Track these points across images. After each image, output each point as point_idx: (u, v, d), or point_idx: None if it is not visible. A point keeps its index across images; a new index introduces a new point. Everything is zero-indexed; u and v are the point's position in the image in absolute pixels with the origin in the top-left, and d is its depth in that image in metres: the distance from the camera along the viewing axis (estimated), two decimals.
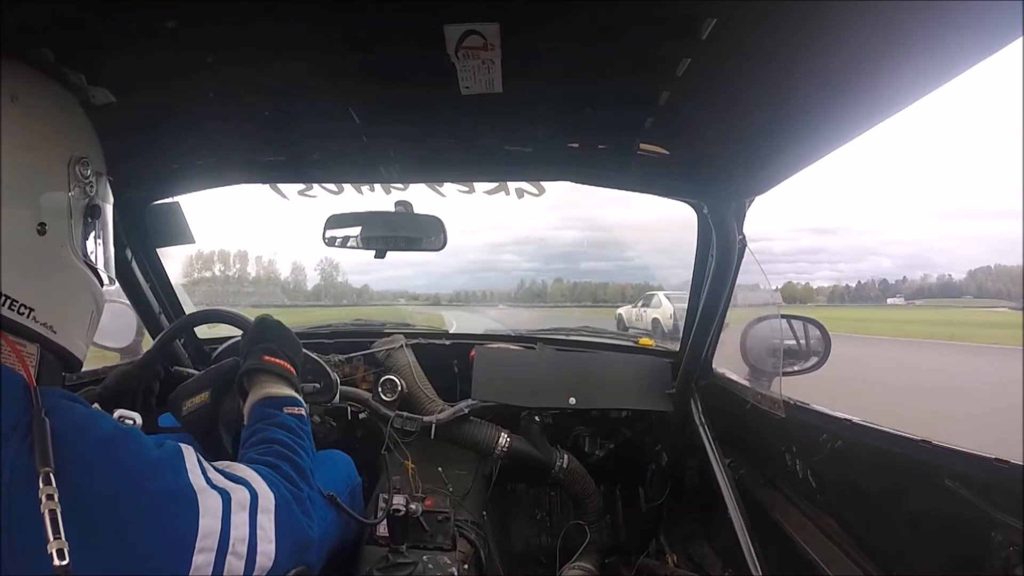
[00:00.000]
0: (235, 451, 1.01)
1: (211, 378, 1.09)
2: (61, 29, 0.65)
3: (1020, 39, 0.56)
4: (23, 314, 0.63)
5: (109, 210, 0.78)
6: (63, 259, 0.68)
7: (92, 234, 0.73)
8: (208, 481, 0.67)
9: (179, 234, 1.49)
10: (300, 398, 0.95)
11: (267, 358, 0.96)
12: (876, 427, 0.95)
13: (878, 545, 0.94)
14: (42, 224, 0.64)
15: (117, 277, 1.41)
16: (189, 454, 0.69)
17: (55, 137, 0.68)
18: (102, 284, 0.77)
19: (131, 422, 0.89)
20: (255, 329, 1.05)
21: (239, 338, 1.37)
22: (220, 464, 0.74)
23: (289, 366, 0.98)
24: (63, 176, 0.68)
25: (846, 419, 1.03)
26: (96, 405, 0.81)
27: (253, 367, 0.96)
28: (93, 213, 0.73)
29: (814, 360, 1.50)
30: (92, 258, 0.74)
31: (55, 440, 0.57)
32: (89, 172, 0.71)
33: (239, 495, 0.70)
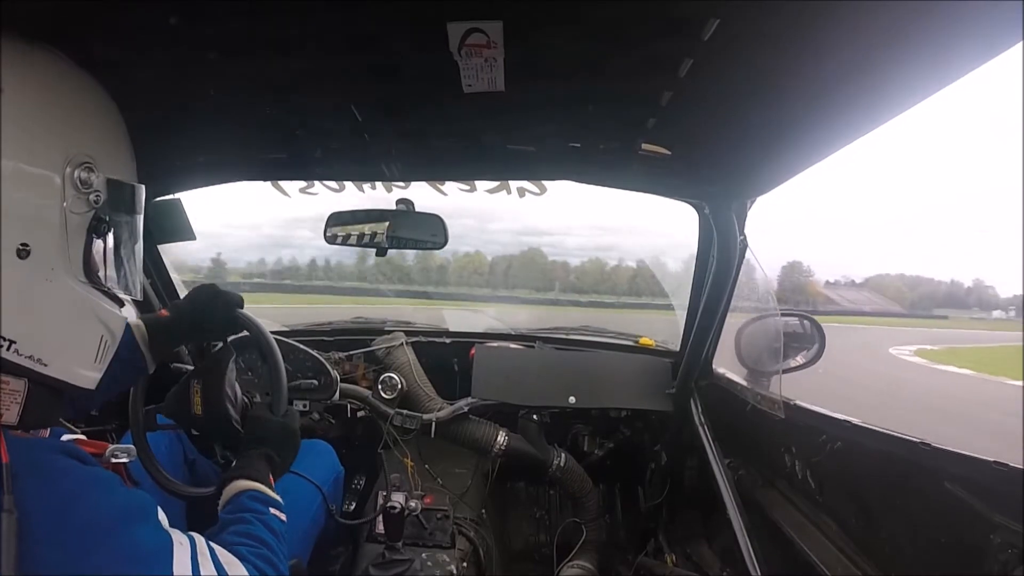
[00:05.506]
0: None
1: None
2: (61, 24, 0.65)
3: (1021, 43, 0.56)
4: (0, 346, 0.57)
5: (130, 221, 0.70)
6: (54, 284, 0.61)
7: (104, 250, 0.65)
8: None
9: (180, 230, 1.51)
10: (282, 503, 0.89)
11: (272, 479, 0.89)
12: (876, 428, 0.95)
13: (877, 546, 0.94)
14: (24, 244, 0.57)
15: None
16: (180, 552, 0.64)
17: (45, 137, 0.59)
18: (120, 305, 0.70)
19: (123, 456, 0.83)
20: (281, 431, 0.96)
21: (244, 335, 1.36)
22: (218, 551, 0.69)
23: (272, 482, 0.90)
24: (55, 185, 0.60)
25: (845, 420, 1.03)
26: None
27: (252, 475, 0.87)
28: (99, 229, 0.64)
29: (811, 356, 1.49)
30: (101, 277, 0.65)
31: (33, 517, 0.54)
32: (94, 179, 0.62)
33: None
